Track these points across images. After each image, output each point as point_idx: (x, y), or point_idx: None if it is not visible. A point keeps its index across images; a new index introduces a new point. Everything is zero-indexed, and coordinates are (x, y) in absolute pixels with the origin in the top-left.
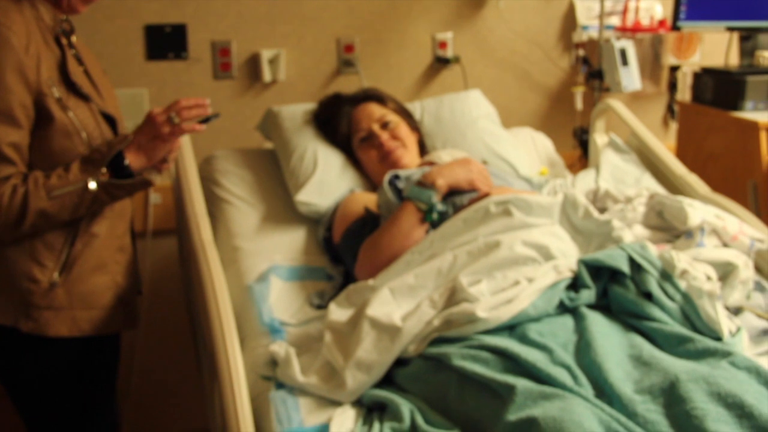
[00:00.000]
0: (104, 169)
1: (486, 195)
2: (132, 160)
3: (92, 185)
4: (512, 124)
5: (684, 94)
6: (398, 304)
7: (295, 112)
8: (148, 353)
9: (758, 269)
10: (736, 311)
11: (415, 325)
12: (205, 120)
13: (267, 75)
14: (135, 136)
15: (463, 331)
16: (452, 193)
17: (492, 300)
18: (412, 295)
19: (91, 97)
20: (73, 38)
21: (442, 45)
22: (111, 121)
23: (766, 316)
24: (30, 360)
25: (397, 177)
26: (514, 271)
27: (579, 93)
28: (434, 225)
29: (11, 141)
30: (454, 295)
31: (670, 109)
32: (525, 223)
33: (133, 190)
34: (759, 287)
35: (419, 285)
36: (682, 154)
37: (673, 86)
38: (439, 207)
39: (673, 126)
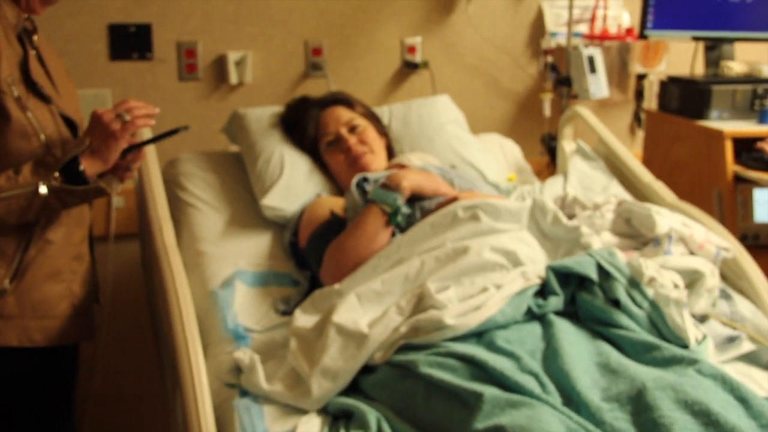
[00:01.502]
0: (57, 174)
1: (454, 199)
2: (87, 165)
3: (42, 190)
4: (480, 130)
5: (650, 102)
6: (365, 310)
7: (262, 114)
8: (110, 361)
9: (723, 277)
10: (701, 319)
11: (382, 332)
12: (173, 132)
13: (233, 77)
14: (87, 140)
15: (431, 339)
16: (419, 197)
17: (460, 307)
18: (379, 301)
19: (51, 98)
20: (35, 38)
21: (411, 50)
22: (71, 124)
23: (731, 324)
24: None
25: (365, 180)
26: (482, 278)
27: (547, 100)
28: (400, 228)
29: None
30: (421, 302)
31: (636, 117)
32: (493, 228)
33: (86, 198)
34: (724, 295)
35: (386, 291)
36: (648, 161)
37: (640, 94)
38: (404, 210)
39: (640, 134)
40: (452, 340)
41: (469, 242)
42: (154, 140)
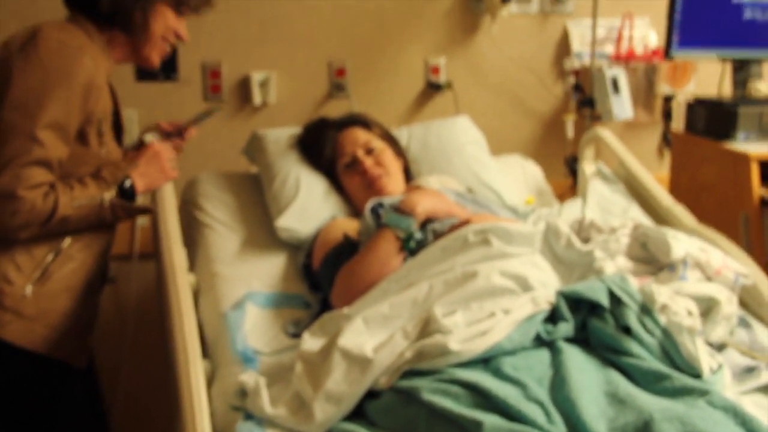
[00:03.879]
0: (114, 188)
1: (466, 222)
2: (137, 181)
3: (106, 201)
4: (505, 151)
5: (679, 123)
6: (371, 334)
7: (280, 135)
8: (133, 377)
9: (743, 305)
10: (719, 348)
11: (387, 357)
12: (208, 113)
13: (257, 98)
14: (139, 163)
15: (436, 364)
16: (432, 219)
17: (466, 332)
18: (387, 325)
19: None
20: None
21: (435, 70)
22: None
23: (750, 353)
24: None
25: (380, 205)
26: (490, 302)
27: (570, 121)
28: (412, 253)
29: (58, 155)
30: (427, 326)
31: (665, 139)
32: (504, 252)
33: (133, 214)
34: (743, 323)
35: (394, 315)
36: (675, 184)
37: (668, 115)
38: (418, 235)
39: (668, 156)
40: (458, 366)
41: (479, 266)
42: (193, 123)
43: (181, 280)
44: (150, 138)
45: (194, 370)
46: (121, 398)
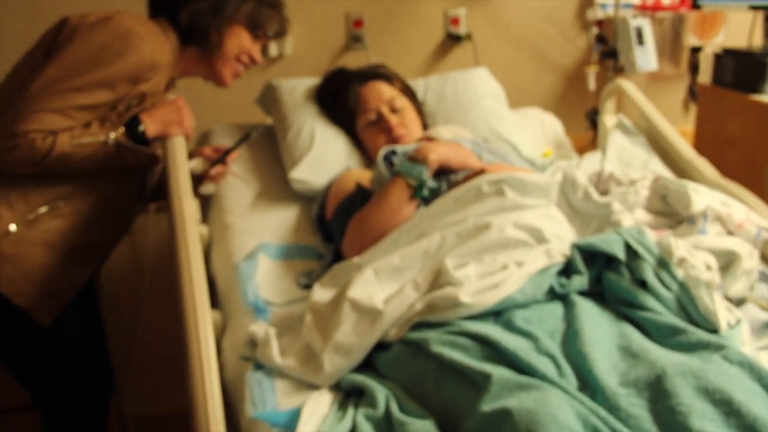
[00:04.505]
0: (122, 129)
1: (481, 172)
2: (148, 124)
3: (112, 137)
4: (526, 104)
5: (706, 76)
6: (382, 285)
7: (295, 86)
8: (151, 328)
9: (766, 260)
10: (738, 303)
11: (397, 309)
12: (246, 137)
13: (273, 49)
14: (157, 109)
15: (446, 316)
16: (447, 170)
17: (478, 284)
18: (397, 276)
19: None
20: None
21: (455, 21)
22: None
23: None
24: None
25: (393, 152)
26: (503, 255)
27: (592, 73)
28: (426, 202)
29: (93, 102)
30: (438, 278)
31: (691, 92)
32: (518, 203)
33: (140, 157)
34: (764, 278)
35: (405, 266)
36: (700, 138)
37: (695, 68)
38: (430, 183)
39: (694, 109)
40: (468, 319)
41: (493, 218)
42: (233, 148)
43: (191, 232)
44: (194, 165)
45: (203, 321)
46: (140, 349)
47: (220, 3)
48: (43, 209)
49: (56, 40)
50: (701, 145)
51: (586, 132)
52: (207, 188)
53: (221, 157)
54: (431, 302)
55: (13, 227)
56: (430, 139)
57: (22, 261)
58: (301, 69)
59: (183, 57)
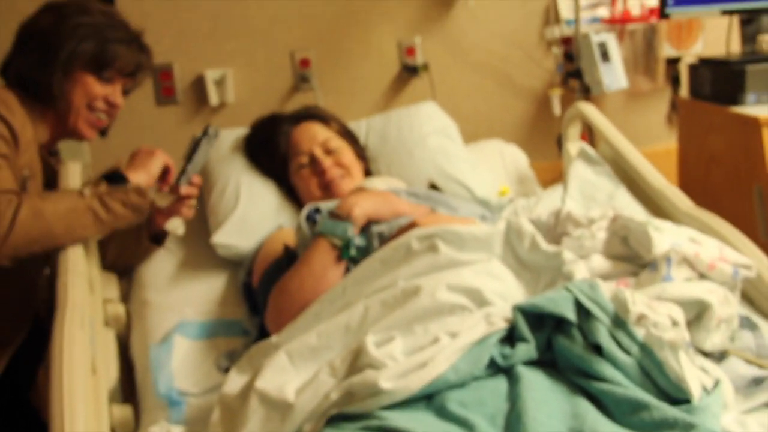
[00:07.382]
0: (103, 184)
1: (414, 225)
2: (131, 174)
3: (86, 192)
4: (494, 134)
5: (685, 89)
6: (297, 371)
7: (223, 137)
8: None
9: (748, 301)
10: (720, 357)
11: (311, 400)
12: (198, 141)
13: (214, 98)
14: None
15: (365, 407)
16: (377, 222)
17: (403, 364)
18: (314, 358)
19: None
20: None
21: (410, 51)
22: None
23: (758, 362)
24: None
25: (317, 210)
26: (436, 324)
27: (556, 96)
28: (355, 263)
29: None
30: (357, 360)
31: (674, 106)
32: (454, 260)
33: (127, 200)
34: (748, 324)
35: (323, 346)
36: (684, 156)
37: (675, 80)
38: (357, 241)
39: None
40: (394, 407)
41: (424, 280)
42: (184, 168)
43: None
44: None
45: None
46: None
47: (49, 51)
48: None
49: None
50: (685, 163)
51: (559, 160)
52: (171, 224)
53: (174, 184)
54: (348, 390)
55: None
56: (361, 189)
57: None
58: (246, 116)
59: (43, 121)
